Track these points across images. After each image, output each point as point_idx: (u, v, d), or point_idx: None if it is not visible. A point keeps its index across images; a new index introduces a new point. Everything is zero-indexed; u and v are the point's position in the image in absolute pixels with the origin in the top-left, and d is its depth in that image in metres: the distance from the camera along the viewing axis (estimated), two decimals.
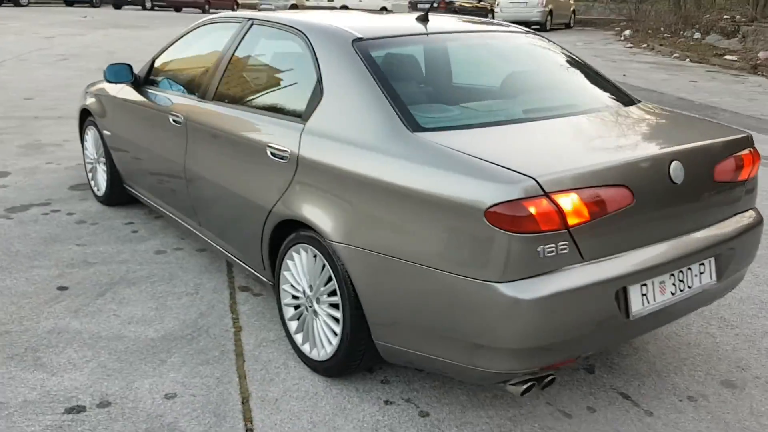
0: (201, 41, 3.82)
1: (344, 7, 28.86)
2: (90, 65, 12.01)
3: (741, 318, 3.38)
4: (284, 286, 2.92)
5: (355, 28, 2.88)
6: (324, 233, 2.53)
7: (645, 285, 2.28)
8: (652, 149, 2.36)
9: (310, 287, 2.75)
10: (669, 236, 2.36)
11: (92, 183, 4.88)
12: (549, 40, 3.41)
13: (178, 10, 32.86)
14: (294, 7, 30.61)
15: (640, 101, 3.06)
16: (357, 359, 2.62)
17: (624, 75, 12.72)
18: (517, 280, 2.06)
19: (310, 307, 2.77)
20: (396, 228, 2.30)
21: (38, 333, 3.06)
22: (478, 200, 2.05)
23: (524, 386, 2.25)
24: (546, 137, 2.47)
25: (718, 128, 2.81)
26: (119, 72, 4.00)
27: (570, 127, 2.63)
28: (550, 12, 24.26)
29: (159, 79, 4.02)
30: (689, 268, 2.42)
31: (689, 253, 2.39)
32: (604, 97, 2.98)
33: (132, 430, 2.43)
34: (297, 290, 2.85)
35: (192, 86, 3.64)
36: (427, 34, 3.02)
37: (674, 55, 16.34)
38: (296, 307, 2.91)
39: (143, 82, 4.07)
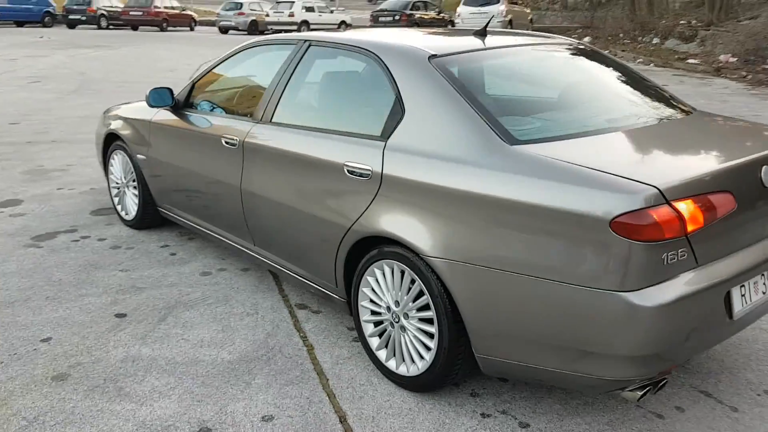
0: (247, 64, 3.83)
1: (305, 23, 28.93)
2: (65, 86, 11.82)
3: None
4: (363, 303, 2.95)
5: (426, 45, 2.94)
6: (417, 249, 2.57)
7: (743, 286, 2.38)
8: (746, 155, 2.47)
9: (396, 303, 2.79)
10: (761, 238, 2.47)
11: (119, 207, 4.82)
12: (597, 50, 3.51)
13: (134, 28, 32.45)
14: (254, 24, 30.55)
15: (696, 109, 3.18)
16: (453, 373, 2.66)
17: None
18: (642, 288, 2.13)
19: (397, 322, 2.80)
20: (504, 241, 2.35)
21: (112, 363, 3.03)
22: (602, 211, 2.12)
23: (641, 392, 2.32)
24: (641, 146, 2.56)
25: None
26: (162, 96, 3.99)
27: (655, 135, 2.73)
28: (510, 21, 24.69)
29: (201, 102, 4.01)
30: None
31: None
32: (668, 106, 3.09)
33: None
34: (379, 306, 2.88)
35: (244, 109, 3.65)
36: (497, 48, 3.09)
37: (638, 60, 16.82)
38: (376, 323, 2.93)
39: (183, 105, 4.05)
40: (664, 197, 2.11)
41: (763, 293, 2.48)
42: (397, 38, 3.11)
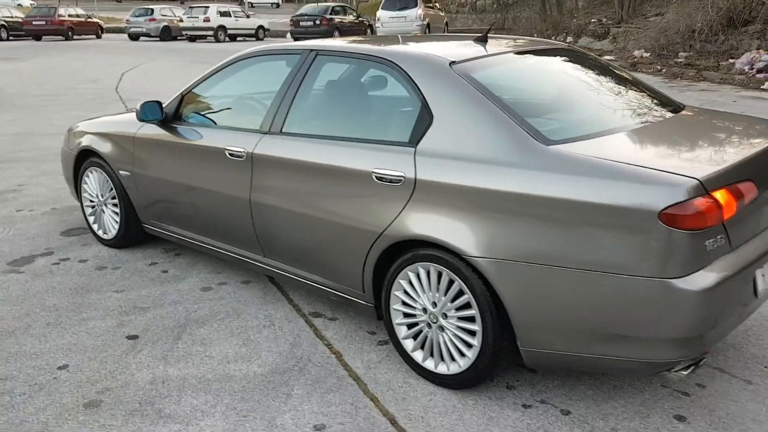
0: (242, 75, 3.80)
1: (221, 28, 28.47)
2: None
3: None
4: (395, 306, 3.00)
5: (442, 53, 3.02)
6: (459, 250, 2.65)
7: (763, 266, 2.59)
8: (757, 145, 2.68)
9: (433, 304, 2.86)
10: None
11: (95, 227, 4.66)
12: (588, 53, 3.69)
13: (38, 38, 31.09)
14: (167, 29, 29.81)
15: (685, 105, 3.40)
16: (496, 368, 2.76)
17: None
18: (689, 274, 2.29)
19: (434, 323, 2.87)
20: (550, 237, 2.46)
21: (141, 385, 2.96)
22: (650, 204, 2.26)
23: (688, 371, 2.48)
24: (664, 141, 2.73)
25: None
26: (153, 109, 3.90)
27: (670, 130, 2.91)
28: (428, 25, 25.12)
29: (193, 115, 3.95)
30: None
31: None
32: (667, 103, 3.29)
33: None
34: (413, 309, 2.94)
35: (246, 120, 3.63)
36: (506, 53, 3.21)
37: None
38: (410, 325, 2.99)
39: (172, 118, 3.97)
40: (704, 188, 2.28)
41: None
42: (411, 47, 3.18)
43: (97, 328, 3.48)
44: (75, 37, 31.37)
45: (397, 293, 2.98)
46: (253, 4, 35.10)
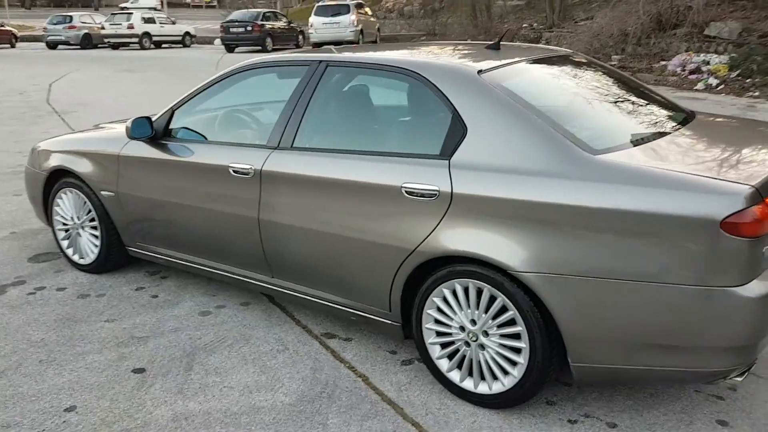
0: (240, 88, 3.62)
1: (146, 35, 27.65)
2: None
3: None
4: (428, 325, 2.90)
5: (465, 62, 2.95)
6: (504, 265, 2.57)
7: None
8: None
9: (472, 322, 2.77)
10: None
11: (69, 251, 4.36)
12: (595, 61, 3.68)
13: None
14: (88, 37, 28.69)
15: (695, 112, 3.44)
16: (542, 386, 2.70)
17: None
18: (748, 282, 2.28)
19: (474, 341, 2.79)
20: (603, 249, 2.41)
21: (163, 424, 2.75)
22: (711, 212, 2.24)
23: (743, 377, 2.48)
24: (702, 148, 2.74)
25: None
26: (143, 126, 3.66)
27: (701, 137, 2.91)
28: (361, 31, 25.09)
29: (184, 131, 3.73)
30: None
31: None
32: (679, 110, 3.31)
33: None
34: (448, 327, 2.84)
35: (249, 135, 3.46)
36: (529, 61, 3.16)
37: None
38: (444, 344, 2.90)
39: (162, 135, 3.75)
40: (760, 195, 2.28)
41: None
42: (428, 56, 3.10)
43: (97, 362, 3.23)
44: None
45: (430, 312, 2.88)
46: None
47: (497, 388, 2.76)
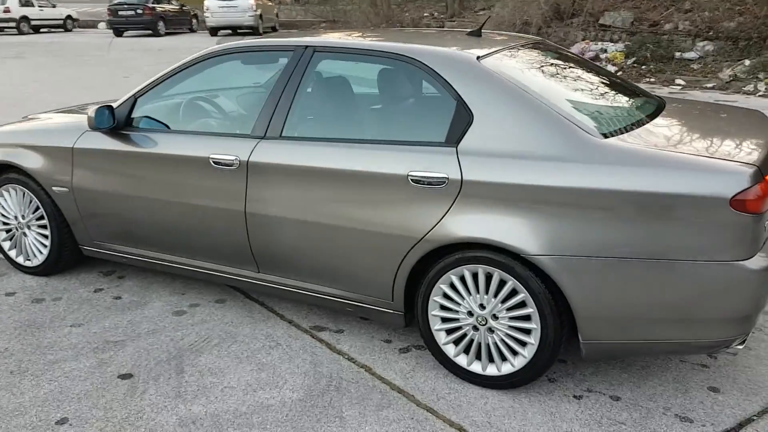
0: (217, 74, 3.46)
1: (24, 18, 25.92)
2: None
3: None
4: (434, 312, 2.91)
5: (462, 49, 2.96)
6: (518, 249, 2.61)
7: None
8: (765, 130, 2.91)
9: (481, 306, 2.80)
10: None
11: (12, 253, 4.04)
12: (562, 48, 3.78)
13: None
14: None
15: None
16: (552, 364, 2.77)
17: None
18: (753, 255, 2.44)
19: (483, 325, 2.82)
20: (617, 230, 2.50)
21: (170, 429, 2.62)
22: (720, 191, 2.37)
23: (743, 345, 2.64)
24: (693, 130, 2.88)
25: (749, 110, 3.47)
26: (104, 115, 3.43)
27: (687, 120, 3.05)
28: (260, 16, 24.56)
29: (151, 120, 3.53)
30: None
31: None
32: (651, 95, 3.46)
33: None
34: (455, 313, 2.86)
35: (231, 124, 3.31)
36: (515, 47, 3.20)
37: None
38: (449, 330, 2.91)
39: (124, 124, 3.53)
40: (761, 173, 2.43)
41: None
42: (425, 42, 3.08)
43: (77, 370, 3.02)
44: None
45: (436, 299, 2.88)
46: None
47: (507, 369, 2.81)
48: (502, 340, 2.80)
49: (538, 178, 2.58)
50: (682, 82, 11.59)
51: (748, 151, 2.58)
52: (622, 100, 3.16)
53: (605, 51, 13.72)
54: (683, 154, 2.50)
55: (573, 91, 3.08)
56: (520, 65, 3.07)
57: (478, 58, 2.88)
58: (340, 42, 3.21)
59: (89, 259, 3.99)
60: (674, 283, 2.48)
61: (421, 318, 2.95)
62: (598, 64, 13.30)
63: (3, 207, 3.98)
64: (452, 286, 2.84)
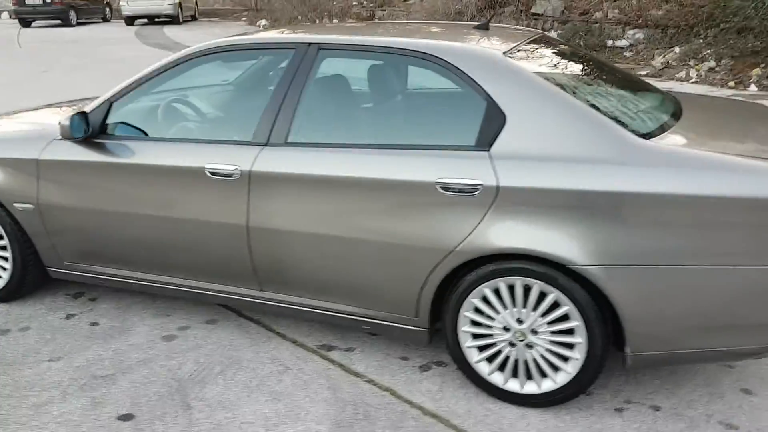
0: (205, 75, 3.14)
1: None
2: None
3: None
4: (464, 328, 2.72)
5: (485, 45, 2.78)
6: (563, 259, 2.45)
7: None
8: None
9: (519, 321, 2.64)
10: None
11: None
12: (566, 43, 3.64)
13: None
14: None
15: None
16: (596, 379, 2.63)
17: None
18: None
19: (521, 341, 2.65)
20: (668, 235, 2.37)
21: None
22: None
23: None
24: (726, 130, 2.79)
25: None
26: (81, 123, 3.05)
27: (713, 121, 2.96)
28: (180, 4, 23.66)
29: (128, 127, 3.18)
30: None
31: None
32: (667, 93, 3.35)
33: None
34: (490, 329, 2.68)
35: (225, 131, 3.02)
36: (528, 42, 3.03)
37: None
38: (482, 347, 2.74)
39: (98, 132, 3.16)
40: None
41: None
42: (441, 38, 2.86)
43: (68, 413, 2.68)
44: None
45: (466, 314, 2.70)
46: None
47: (548, 386, 2.65)
48: (542, 356, 2.64)
49: (582, 182, 2.43)
50: None
51: None
52: (645, 99, 3.04)
53: None
54: (733, 156, 2.39)
55: (598, 89, 2.93)
56: (541, 62, 2.91)
57: (504, 54, 2.69)
58: (348, 39, 2.95)
59: (53, 281, 3.60)
60: (728, 289, 2.38)
61: (450, 335, 2.76)
62: None
63: None
64: (485, 300, 2.66)
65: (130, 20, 23.99)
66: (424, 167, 2.62)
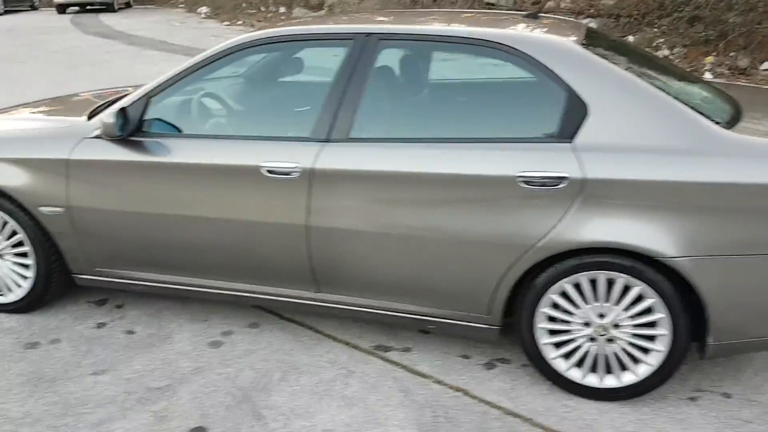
0: (253, 69, 2.98)
1: None
2: None
3: None
4: (541, 325, 2.69)
5: (558, 35, 2.73)
6: (653, 252, 2.43)
7: None
8: None
9: (600, 315, 2.61)
10: None
11: None
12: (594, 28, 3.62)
13: None
14: None
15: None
16: (677, 370, 2.64)
17: None
18: None
19: (602, 336, 2.63)
20: (758, 226, 2.39)
21: None
22: None
23: None
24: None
25: None
26: (123, 121, 2.86)
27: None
28: None
29: (166, 124, 3.00)
30: None
31: None
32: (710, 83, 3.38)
33: None
34: (569, 324, 2.65)
35: (277, 127, 2.88)
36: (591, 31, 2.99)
37: None
38: (559, 344, 2.70)
39: (135, 130, 2.97)
40: None
41: None
42: (513, 27, 2.80)
43: (132, 430, 2.51)
44: None
45: (544, 310, 2.66)
46: None
47: (629, 379, 2.65)
48: (624, 350, 2.62)
49: (671, 173, 2.41)
50: None
51: None
52: (705, 91, 3.04)
53: None
54: None
55: (666, 80, 2.92)
56: (606, 53, 2.87)
57: (582, 45, 2.65)
58: (410, 29, 2.85)
59: (71, 288, 3.38)
60: None
61: (525, 332, 2.71)
62: None
63: None
64: (564, 296, 2.62)
65: (62, 8, 23.08)
66: (503, 161, 2.55)
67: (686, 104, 2.52)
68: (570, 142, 2.51)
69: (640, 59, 3.08)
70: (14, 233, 3.18)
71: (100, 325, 3.25)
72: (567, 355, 2.70)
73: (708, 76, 10.37)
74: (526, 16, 3.15)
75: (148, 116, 2.99)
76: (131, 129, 2.92)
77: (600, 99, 2.52)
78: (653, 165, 2.43)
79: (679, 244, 2.42)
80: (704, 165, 2.40)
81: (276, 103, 3.22)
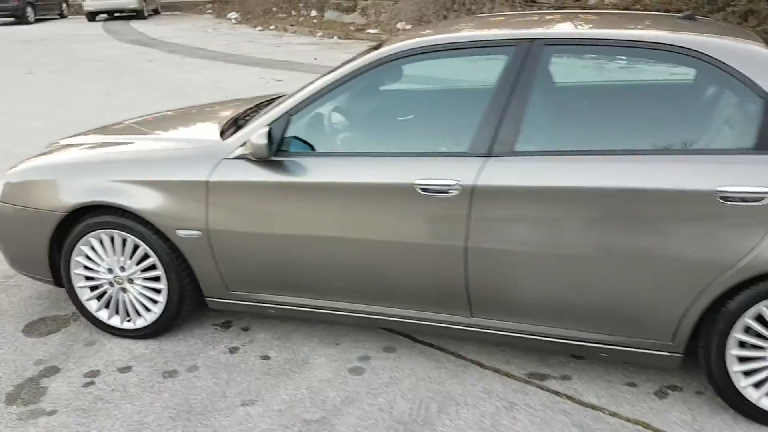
0: (400, 80, 2.82)
1: None
2: None
3: None
4: (732, 351, 2.49)
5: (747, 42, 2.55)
6: None
7: None
8: None
9: None
10: None
11: (103, 314, 3.20)
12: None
13: None
14: None
15: None
16: None
17: (315, 59, 12.85)
18: None
19: None
20: None
21: None
22: None
23: None
24: None
25: None
26: (272, 142, 2.72)
27: None
28: None
29: (302, 142, 2.85)
30: None
31: None
32: None
33: None
34: (763, 350, 2.46)
35: (432, 141, 2.72)
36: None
37: (318, 34, 17.05)
38: (749, 372, 2.51)
39: (275, 150, 2.82)
40: None
41: None
42: (691, 31, 2.61)
43: None
44: None
45: (736, 335, 2.46)
46: None
47: None
48: None
49: None
50: None
51: None
52: None
53: None
54: None
55: None
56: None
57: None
58: (580, 33, 2.67)
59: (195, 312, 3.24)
60: None
61: (714, 360, 2.51)
62: None
63: (91, 260, 3.12)
64: (760, 319, 2.43)
65: (92, 16, 23.18)
66: (698, 174, 2.37)
67: None
68: None
69: None
70: (145, 257, 3.03)
71: (233, 350, 3.10)
72: (758, 384, 2.51)
73: None
74: (683, 17, 2.95)
75: (287, 134, 2.83)
76: (275, 149, 2.76)
77: None
78: None
79: None
80: None
81: (425, 117, 3.05)
